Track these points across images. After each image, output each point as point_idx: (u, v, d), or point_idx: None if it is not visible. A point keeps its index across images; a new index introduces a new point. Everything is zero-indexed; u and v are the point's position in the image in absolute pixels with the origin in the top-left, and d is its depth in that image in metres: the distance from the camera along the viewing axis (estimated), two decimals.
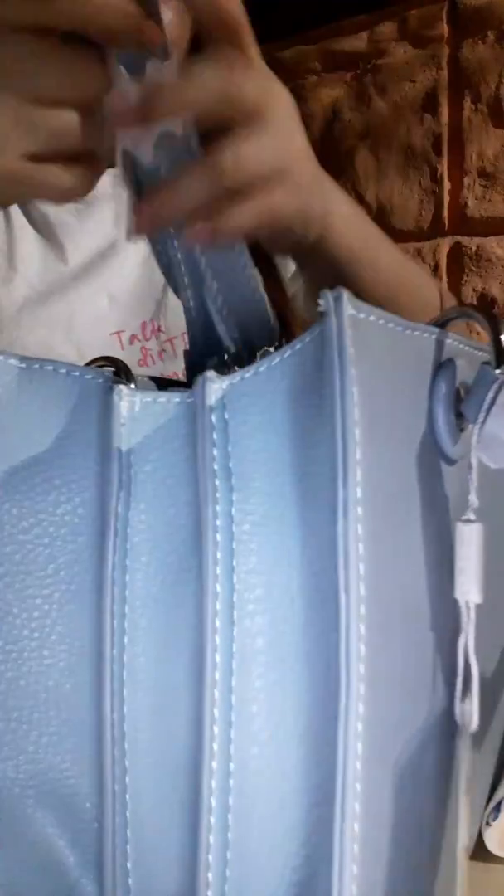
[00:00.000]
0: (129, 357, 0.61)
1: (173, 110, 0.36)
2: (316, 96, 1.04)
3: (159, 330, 0.67)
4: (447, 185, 0.94)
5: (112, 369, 0.33)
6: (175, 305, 0.64)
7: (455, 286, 0.93)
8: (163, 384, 0.37)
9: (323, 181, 0.48)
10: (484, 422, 0.29)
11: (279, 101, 0.42)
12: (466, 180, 0.93)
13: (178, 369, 0.68)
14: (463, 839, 0.32)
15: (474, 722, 0.30)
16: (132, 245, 0.69)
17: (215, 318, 0.39)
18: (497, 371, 0.30)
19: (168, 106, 0.36)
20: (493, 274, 0.91)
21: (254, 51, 0.40)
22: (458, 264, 0.93)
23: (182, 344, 0.67)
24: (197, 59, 0.38)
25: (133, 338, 0.67)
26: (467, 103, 0.93)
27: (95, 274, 0.66)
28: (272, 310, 0.41)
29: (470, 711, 0.30)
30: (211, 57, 0.38)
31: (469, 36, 0.94)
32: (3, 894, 0.31)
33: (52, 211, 0.67)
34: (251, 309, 0.40)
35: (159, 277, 0.68)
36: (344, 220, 0.51)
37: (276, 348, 0.44)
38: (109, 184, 0.68)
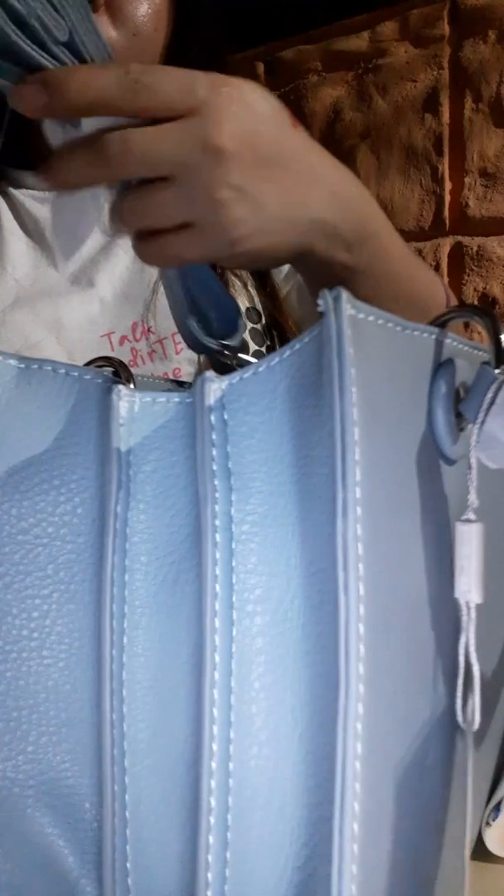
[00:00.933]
0: (119, 358, 0.61)
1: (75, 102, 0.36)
2: (317, 96, 1.04)
3: (149, 331, 0.67)
4: (448, 184, 0.94)
5: (111, 369, 0.33)
6: (164, 306, 0.64)
7: (456, 286, 0.93)
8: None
9: (337, 187, 0.46)
10: (483, 422, 0.29)
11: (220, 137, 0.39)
12: (467, 180, 0.93)
13: (168, 370, 0.68)
14: (469, 839, 0.32)
15: (477, 721, 0.30)
16: (123, 248, 0.69)
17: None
18: (497, 371, 0.30)
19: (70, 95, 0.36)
20: (494, 274, 0.91)
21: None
22: (459, 264, 0.93)
23: (172, 344, 0.67)
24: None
25: (123, 339, 0.67)
26: (468, 103, 0.93)
27: (87, 278, 0.66)
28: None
29: (472, 711, 0.30)
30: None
31: (470, 36, 0.94)
32: (4, 894, 0.31)
33: (41, 213, 0.67)
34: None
35: (149, 277, 0.68)
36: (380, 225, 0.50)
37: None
38: (98, 188, 0.68)
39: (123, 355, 0.67)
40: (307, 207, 0.44)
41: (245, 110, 0.39)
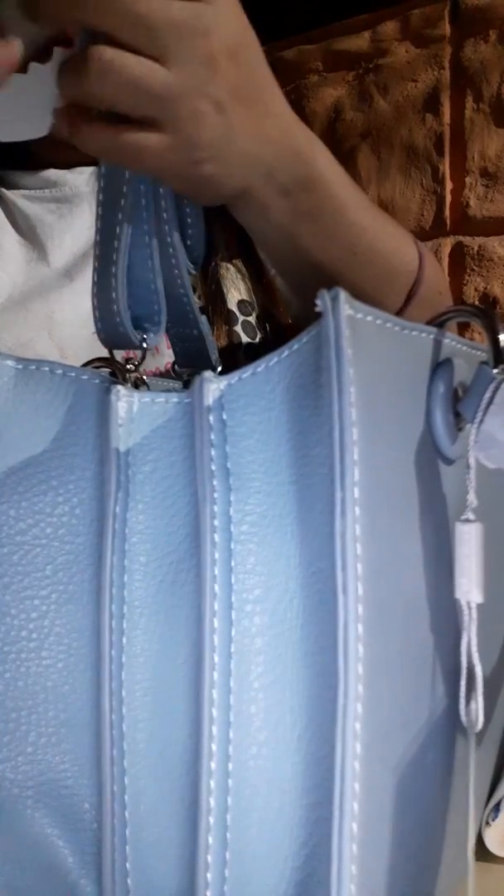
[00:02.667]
0: (117, 360, 0.60)
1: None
2: (318, 96, 1.04)
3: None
4: (449, 184, 0.94)
5: (108, 370, 0.33)
6: None
7: (457, 286, 0.93)
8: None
9: (289, 130, 0.44)
10: (482, 421, 0.29)
11: (205, 37, 0.36)
12: (468, 180, 0.93)
13: (160, 365, 0.67)
14: (472, 839, 0.32)
15: (480, 722, 0.30)
16: None
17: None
18: (495, 371, 0.30)
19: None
20: (494, 274, 0.91)
21: None
22: (459, 264, 0.93)
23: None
24: None
25: None
26: (469, 103, 0.93)
27: (78, 274, 0.66)
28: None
29: (475, 712, 0.30)
30: None
31: (471, 35, 0.94)
32: (3, 894, 0.31)
33: (32, 211, 0.67)
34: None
35: None
36: (329, 170, 0.47)
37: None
38: (87, 182, 0.67)
39: (116, 353, 0.66)
40: (260, 139, 0.42)
41: (245, 33, 0.39)
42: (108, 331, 0.37)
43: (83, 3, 0.33)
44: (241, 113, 0.39)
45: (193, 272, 0.42)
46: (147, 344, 0.38)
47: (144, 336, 0.38)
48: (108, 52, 0.34)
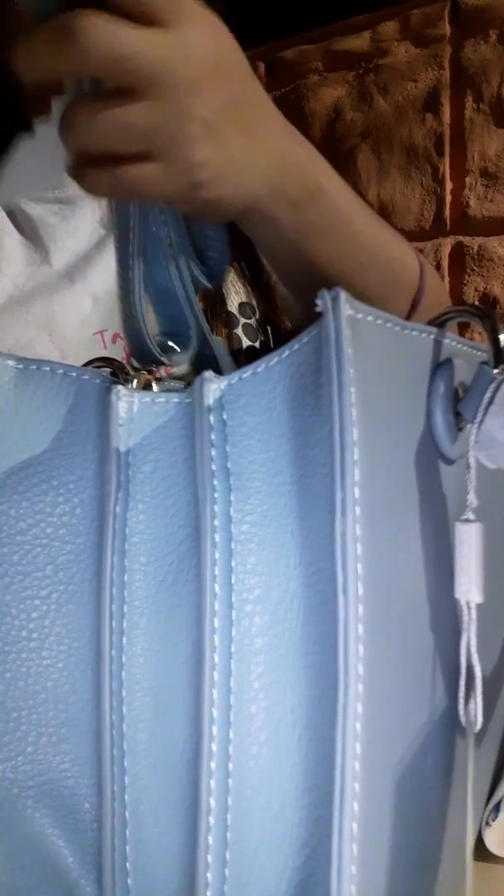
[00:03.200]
0: (112, 356, 0.60)
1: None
2: (318, 96, 1.03)
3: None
4: (449, 184, 0.94)
5: (109, 370, 0.33)
6: None
7: (457, 286, 0.93)
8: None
9: (291, 146, 0.44)
10: (482, 421, 0.29)
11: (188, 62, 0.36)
12: (468, 180, 0.93)
13: (158, 367, 0.67)
14: (471, 839, 0.32)
15: (479, 722, 0.30)
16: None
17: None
18: (495, 371, 0.30)
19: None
20: (494, 274, 0.91)
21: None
22: (459, 264, 0.93)
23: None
24: None
25: (115, 336, 0.66)
26: (469, 103, 0.93)
27: (80, 276, 0.66)
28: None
29: (474, 711, 0.30)
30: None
31: (471, 35, 0.94)
32: (3, 894, 0.31)
33: (35, 213, 0.67)
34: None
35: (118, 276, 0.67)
36: (334, 185, 0.47)
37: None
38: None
39: (116, 353, 0.66)
40: (261, 156, 0.42)
41: (222, 48, 0.38)
42: (136, 352, 0.40)
43: (60, 53, 0.34)
44: (234, 130, 0.39)
45: (210, 288, 0.44)
46: (173, 361, 0.41)
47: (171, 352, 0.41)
48: (92, 104, 0.35)
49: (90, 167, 0.37)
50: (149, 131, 0.36)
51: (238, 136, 0.39)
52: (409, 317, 0.55)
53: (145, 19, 0.34)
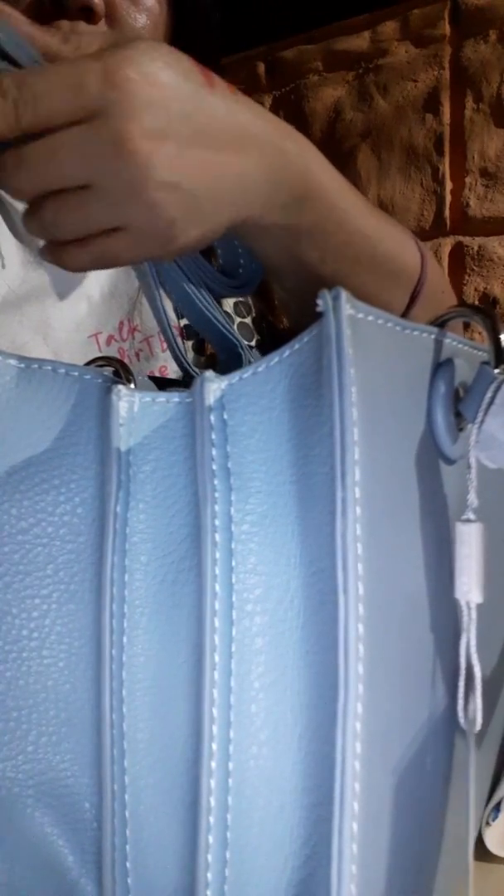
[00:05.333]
0: (120, 359, 0.60)
1: None
2: (318, 96, 1.03)
3: (135, 329, 0.66)
4: (449, 184, 0.94)
5: (111, 369, 0.33)
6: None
7: (457, 286, 0.93)
8: (162, 384, 0.37)
9: (283, 147, 0.42)
10: (482, 421, 0.29)
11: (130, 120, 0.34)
12: (468, 180, 0.93)
13: (154, 368, 0.67)
14: (472, 839, 0.32)
15: (479, 722, 0.30)
16: None
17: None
18: (496, 371, 0.30)
19: None
20: (494, 274, 0.91)
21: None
22: (459, 264, 0.93)
23: (158, 342, 0.67)
24: None
25: (110, 338, 0.66)
26: (469, 103, 0.93)
27: (75, 279, 0.66)
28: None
29: (474, 712, 0.30)
30: None
31: (471, 35, 0.94)
32: (3, 894, 0.31)
33: None
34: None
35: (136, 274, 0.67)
36: (329, 180, 0.45)
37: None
38: None
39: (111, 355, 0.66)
40: (241, 177, 0.39)
41: (152, 92, 0.35)
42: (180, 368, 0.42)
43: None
44: (197, 173, 0.37)
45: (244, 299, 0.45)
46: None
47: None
48: (49, 204, 0.36)
49: (65, 249, 0.38)
50: (111, 216, 0.36)
51: (205, 175, 0.37)
52: (408, 308, 0.54)
53: (64, 125, 0.34)
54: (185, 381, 0.45)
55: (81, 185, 0.35)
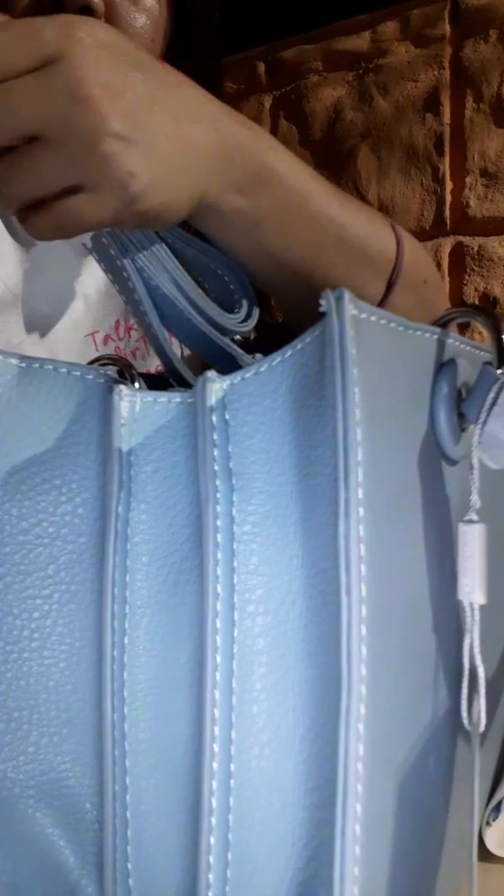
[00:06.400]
0: (125, 358, 0.60)
1: None
2: (317, 96, 1.03)
3: (132, 328, 0.66)
4: (449, 184, 0.94)
5: (115, 368, 0.33)
6: None
7: (457, 286, 0.93)
8: (163, 383, 0.37)
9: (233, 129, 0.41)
10: (485, 422, 0.29)
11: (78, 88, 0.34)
12: (468, 180, 0.92)
13: (150, 367, 0.67)
14: (475, 840, 0.32)
15: (483, 723, 0.30)
16: None
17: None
18: (499, 371, 0.30)
19: None
20: (495, 274, 0.91)
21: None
22: (459, 264, 0.93)
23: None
24: None
25: (107, 338, 0.66)
26: (469, 103, 0.93)
27: (71, 277, 0.66)
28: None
29: (478, 713, 0.30)
30: None
31: (471, 35, 0.94)
32: (4, 894, 0.31)
33: None
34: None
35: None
36: (285, 163, 0.45)
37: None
38: None
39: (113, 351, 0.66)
40: (196, 146, 0.39)
41: (106, 49, 0.35)
42: (168, 371, 0.41)
43: None
44: (153, 131, 0.37)
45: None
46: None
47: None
48: (11, 162, 0.35)
49: (30, 213, 0.37)
50: (67, 171, 0.35)
51: (162, 136, 0.37)
52: (385, 296, 0.52)
53: (17, 72, 0.34)
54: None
55: (33, 135, 0.34)
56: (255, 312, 0.46)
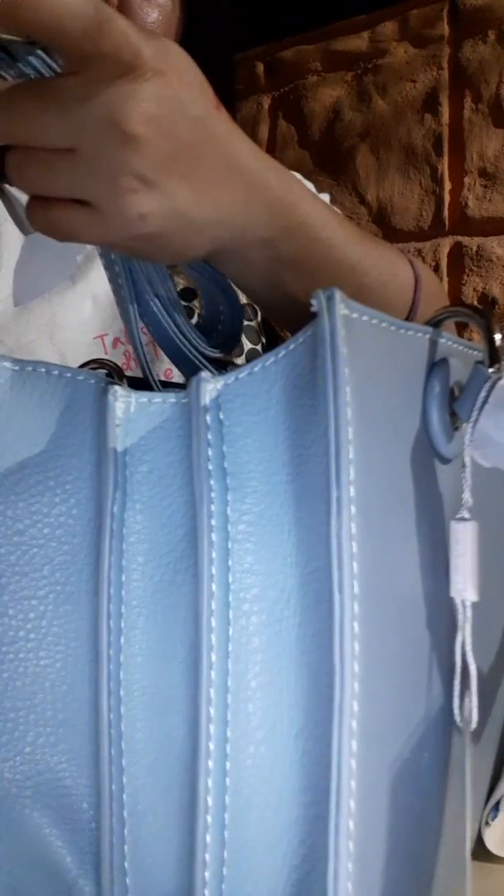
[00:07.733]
0: (113, 361, 0.60)
1: None
2: (317, 96, 1.04)
3: (141, 332, 0.67)
4: (448, 184, 0.94)
5: (104, 371, 0.33)
6: None
7: (455, 286, 0.93)
8: (142, 386, 0.37)
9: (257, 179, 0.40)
10: (477, 420, 0.30)
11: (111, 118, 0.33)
12: (467, 180, 0.93)
13: (159, 371, 0.67)
14: (470, 837, 0.32)
15: (474, 720, 0.30)
16: None
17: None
18: (490, 370, 0.30)
19: None
20: (493, 274, 0.91)
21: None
22: (458, 264, 0.93)
23: None
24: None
25: (116, 341, 0.66)
26: (468, 103, 0.93)
27: (81, 276, 0.66)
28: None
29: (469, 710, 0.30)
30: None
31: (469, 36, 0.94)
32: (2, 894, 0.31)
33: None
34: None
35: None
36: (310, 208, 0.44)
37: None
38: None
39: (116, 358, 0.66)
40: (223, 208, 0.39)
41: (179, 88, 0.34)
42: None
43: None
44: (180, 183, 0.36)
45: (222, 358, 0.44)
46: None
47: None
48: (19, 153, 0.34)
49: (31, 204, 0.36)
50: (79, 186, 0.35)
51: (190, 188, 0.37)
52: None
53: (106, 66, 0.32)
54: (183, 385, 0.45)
55: (61, 145, 0.34)
56: (231, 345, 0.46)
